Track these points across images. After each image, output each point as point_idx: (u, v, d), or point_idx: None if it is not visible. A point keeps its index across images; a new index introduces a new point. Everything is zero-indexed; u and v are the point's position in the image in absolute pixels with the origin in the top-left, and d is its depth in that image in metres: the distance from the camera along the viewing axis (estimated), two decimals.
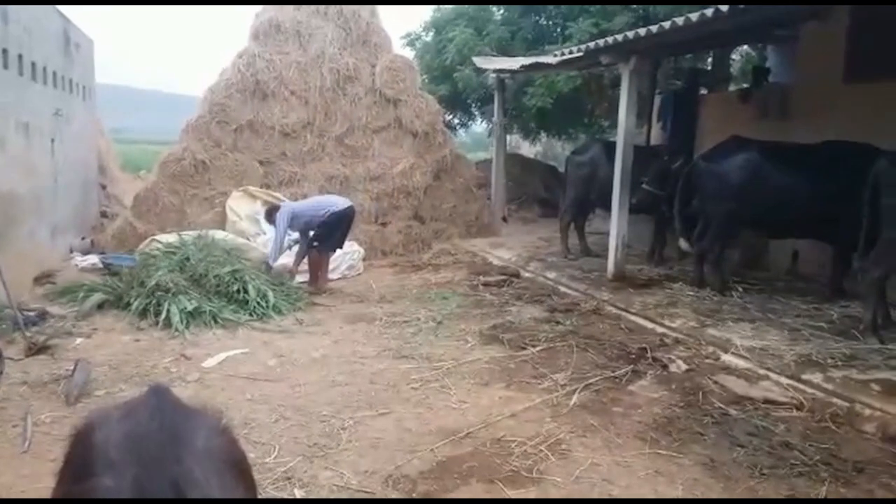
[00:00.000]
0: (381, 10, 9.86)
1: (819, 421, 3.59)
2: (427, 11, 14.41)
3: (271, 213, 6.88)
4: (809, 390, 3.93)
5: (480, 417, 3.77)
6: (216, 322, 5.47)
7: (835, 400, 3.77)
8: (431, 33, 13.75)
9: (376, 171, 9.23)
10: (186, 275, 5.91)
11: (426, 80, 12.93)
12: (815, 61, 7.22)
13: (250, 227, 7.87)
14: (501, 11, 12.96)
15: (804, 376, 4.08)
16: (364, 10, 9.65)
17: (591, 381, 4.30)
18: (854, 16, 6.51)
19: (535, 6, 12.22)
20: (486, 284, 6.94)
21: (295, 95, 9.05)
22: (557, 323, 5.62)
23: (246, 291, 5.90)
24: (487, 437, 3.53)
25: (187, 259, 6.08)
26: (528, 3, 12.07)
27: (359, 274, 7.75)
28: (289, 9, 9.49)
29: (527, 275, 7.49)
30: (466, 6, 13.00)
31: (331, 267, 7.43)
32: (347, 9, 9.51)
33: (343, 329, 5.53)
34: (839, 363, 4.24)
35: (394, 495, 2.99)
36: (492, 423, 3.70)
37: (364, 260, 8.07)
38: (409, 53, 13.98)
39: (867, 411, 3.58)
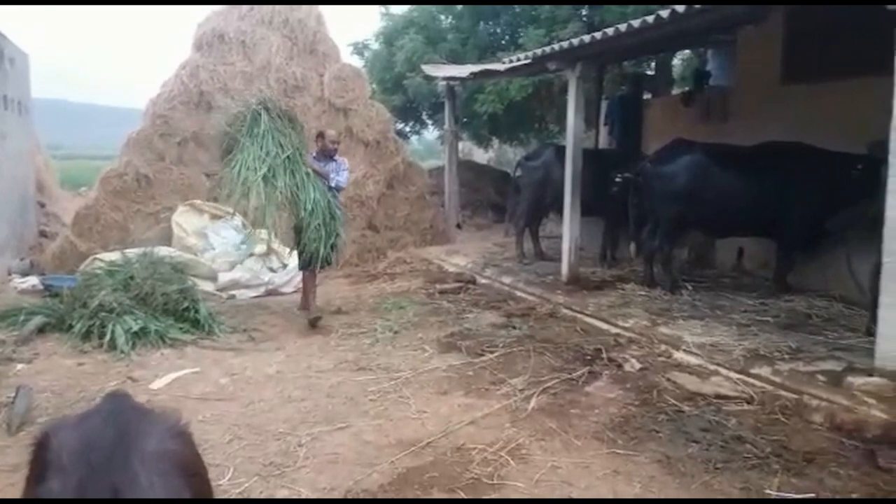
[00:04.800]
0: (329, 19, 9.79)
1: (769, 413, 3.69)
2: (376, 21, 14.40)
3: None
4: (759, 384, 4.04)
5: (440, 426, 3.74)
6: (164, 342, 5.30)
7: (783, 392, 3.88)
8: (381, 42, 13.73)
9: None
10: (131, 294, 5.70)
11: (377, 90, 12.91)
12: (753, 64, 7.48)
13: (198, 242, 7.66)
14: (451, 20, 13.05)
15: (753, 370, 4.19)
16: (311, 19, 9.56)
17: (548, 384, 4.32)
18: (789, 19, 6.77)
19: (485, 15, 12.33)
20: (442, 292, 6.93)
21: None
22: (514, 328, 5.65)
23: (196, 310, 5.74)
24: (448, 446, 3.51)
25: (132, 277, 5.87)
26: (490, 4, 12.09)
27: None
28: (233, 18, 9.34)
29: (483, 281, 7.51)
30: (416, 15, 13.05)
31: (285, 279, 7.31)
32: (294, 18, 9.41)
33: (298, 343, 5.43)
34: (786, 356, 4.37)
35: None
36: (452, 431, 3.68)
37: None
38: (357, 62, 13.93)
39: (814, 402, 3.69)
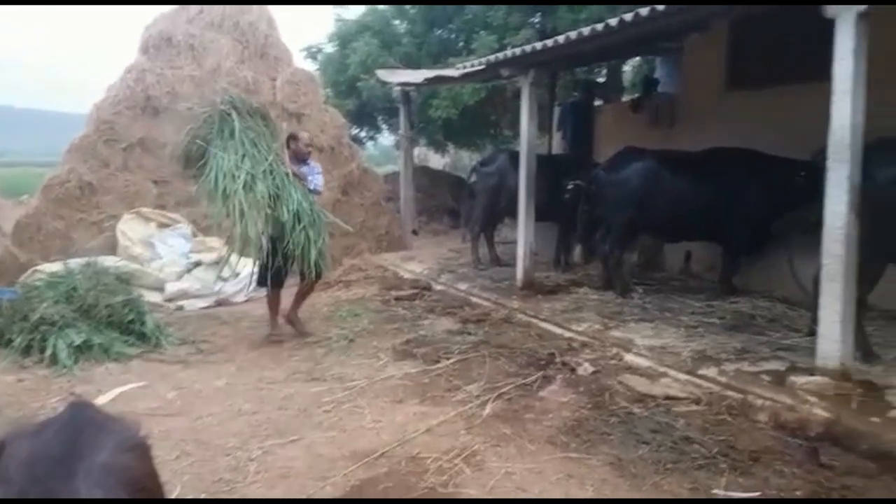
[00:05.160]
0: (282, 23, 9.68)
1: (716, 414, 3.77)
2: (329, 24, 14.30)
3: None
4: (706, 384, 4.12)
5: (395, 436, 3.71)
6: (108, 356, 5.12)
7: (729, 392, 3.98)
8: (335, 46, 13.63)
9: None
10: (74, 306, 5.49)
11: (331, 94, 12.80)
12: (699, 71, 7.70)
13: (144, 251, 7.44)
14: (405, 25, 13.06)
15: (700, 371, 4.28)
16: (262, 22, 9.43)
17: (503, 389, 4.34)
18: (733, 28, 6.98)
19: (439, 20, 12.37)
20: (398, 299, 6.89)
21: (190, 111, 8.67)
22: (470, 334, 5.66)
23: (142, 322, 5.57)
24: (403, 456, 3.48)
25: (75, 289, 5.66)
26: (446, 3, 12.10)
27: (266, 295, 7.48)
28: (181, 21, 9.15)
29: (439, 287, 7.50)
30: (370, 19, 13.01)
31: (236, 289, 7.14)
32: (244, 21, 9.27)
33: (249, 355, 5.32)
34: (732, 357, 4.49)
35: None
36: (407, 440, 3.65)
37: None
38: (310, 66, 13.80)
39: (759, 402, 3.79)
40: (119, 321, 5.51)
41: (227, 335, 5.90)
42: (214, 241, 7.70)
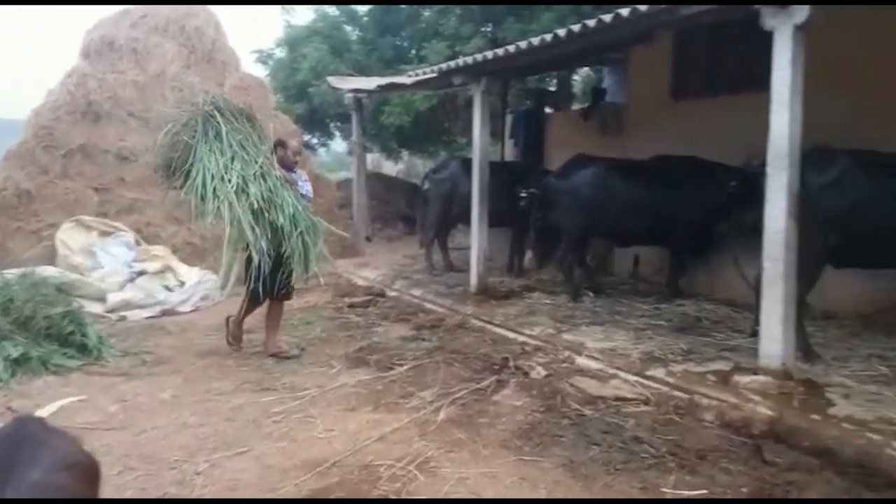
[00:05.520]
0: (231, 27, 9.52)
1: (664, 414, 3.85)
2: (279, 28, 14.15)
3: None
4: (654, 385, 4.21)
5: (348, 444, 3.65)
6: (47, 369, 4.89)
7: (677, 393, 4.07)
8: (285, 50, 13.48)
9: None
10: (11, 318, 5.22)
11: (281, 100, 12.64)
12: (645, 81, 7.90)
13: (85, 260, 7.15)
14: (356, 31, 13.02)
15: (649, 372, 4.37)
16: (209, 27, 9.26)
17: (457, 395, 4.33)
18: (677, 39, 7.19)
19: (390, 27, 12.36)
20: (351, 306, 6.83)
21: (133, 117, 8.43)
22: (424, 340, 5.65)
23: (83, 333, 5.35)
24: (355, 464, 3.43)
25: (11, 300, 5.38)
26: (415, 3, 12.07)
27: (215, 304, 7.31)
28: (124, 25, 8.90)
29: (393, 293, 7.47)
30: (321, 25, 12.92)
31: (182, 298, 6.95)
32: (190, 26, 9.08)
33: (196, 365, 5.16)
34: (679, 358, 4.61)
35: None
36: (359, 449, 3.60)
37: (223, 288, 7.62)
38: (261, 71, 13.62)
39: (705, 401, 3.89)
40: (58, 333, 5.27)
41: (173, 346, 5.72)
42: (158, 250, 7.49)
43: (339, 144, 16.46)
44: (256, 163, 4.98)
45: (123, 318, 6.56)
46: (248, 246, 4.92)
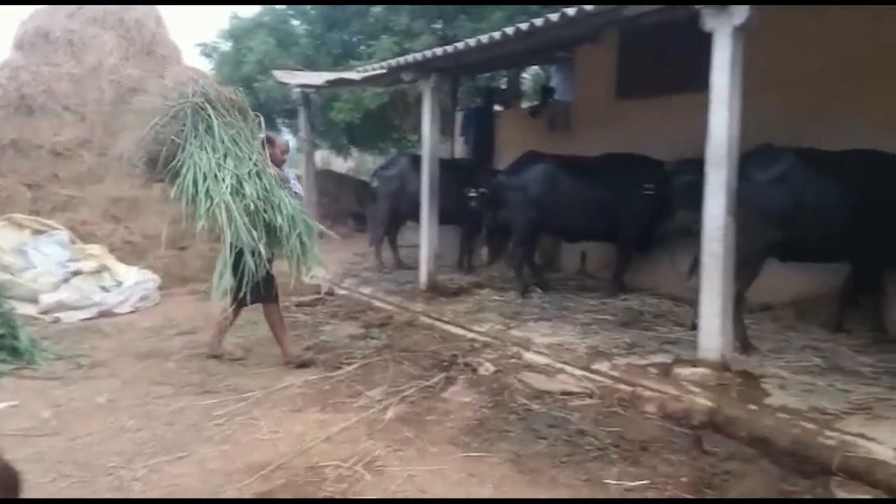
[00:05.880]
0: (174, 20, 9.23)
1: (608, 406, 3.93)
2: (224, 20, 13.82)
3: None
4: (599, 379, 4.28)
5: (293, 446, 3.59)
6: None
7: (621, 386, 4.15)
8: (229, 43, 13.16)
9: (170, 191, 8.51)
10: None
11: None
12: (591, 80, 8.03)
13: (16, 260, 6.80)
14: (304, 25, 12.81)
15: (594, 366, 4.44)
16: (149, 19, 8.96)
17: (406, 393, 4.31)
18: (622, 39, 7.32)
19: (338, 22, 12.21)
20: (299, 305, 6.71)
21: (69, 111, 8.10)
22: (373, 338, 5.61)
23: (14, 336, 5.10)
24: (301, 466, 3.37)
25: None
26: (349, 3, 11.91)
27: (155, 305, 7.09)
28: (60, 16, 8.53)
29: (342, 292, 7.38)
30: (267, 18, 12.65)
31: (119, 299, 6.71)
32: (129, 17, 8.77)
33: (135, 368, 4.97)
34: (623, 351, 4.70)
35: None
36: (305, 450, 3.54)
37: (160, 289, 7.40)
38: (206, 64, 13.27)
39: (647, 393, 3.97)
40: None
41: (110, 348, 5.50)
42: (95, 249, 7.20)
43: (289, 141, 16.17)
44: (251, 160, 4.62)
45: (58, 320, 6.28)
46: (234, 249, 4.54)
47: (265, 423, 3.89)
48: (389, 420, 3.91)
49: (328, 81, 8.64)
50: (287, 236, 4.61)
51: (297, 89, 9.48)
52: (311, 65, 11.02)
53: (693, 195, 4.37)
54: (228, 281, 4.57)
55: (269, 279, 4.84)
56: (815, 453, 3.18)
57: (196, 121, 4.58)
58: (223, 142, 4.57)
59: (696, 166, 4.38)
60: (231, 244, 4.51)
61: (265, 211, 4.51)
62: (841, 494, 2.87)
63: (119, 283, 6.92)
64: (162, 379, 4.71)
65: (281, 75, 9.72)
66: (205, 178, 4.43)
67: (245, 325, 6.03)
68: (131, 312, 6.70)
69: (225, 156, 4.53)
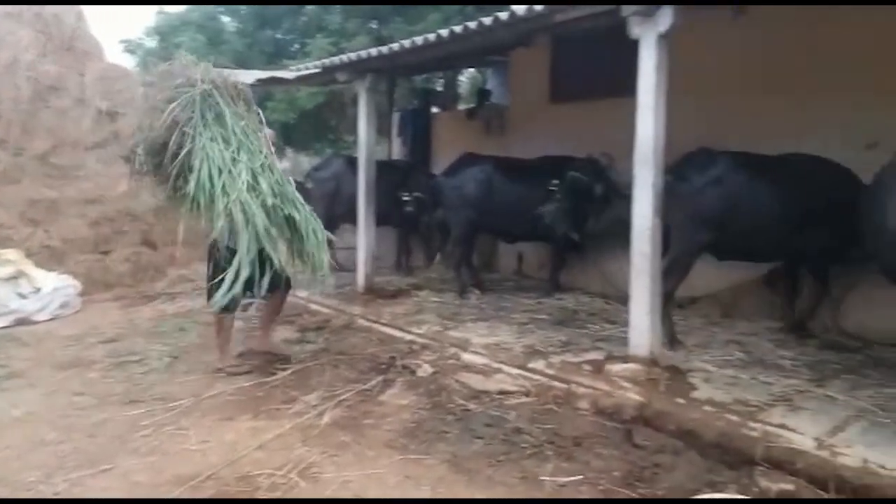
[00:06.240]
0: (95, 15, 8.81)
1: (544, 404, 3.98)
2: (150, 16, 13.30)
3: None
4: (535, 377, 4.33)
5: (224, 456, 3.47)
6: None
7: (556, 383, 4.21)
8: (156, 41, 12.69)
9: (93, 192, 8.14)
10: None
11: None
12: (526, 84, 8.14)
13: None
14: (235, 23, 12.49)
15: (530, 365, 4.50)
16: (69, 14, 8.53)
17: (343, 397, 4.25)
18: (555, 44, 7.46)
19: (269, 20, 11.96)
20: None
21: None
22: (309, 342, 5.53)
23: None
24: (232, 476, 3.27)
25: None
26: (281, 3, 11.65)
27: (76, 312, 6.74)
28: None
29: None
30: (196, 15, 12.27)
31: (39, 305, 6.36)
32: (48, 11, 8.33)
33: (55, 378, 4.71)
34: (558, 350, 4.78)
35: None
36: (237, 459, 3.43)
37: (82, 295, 7.04)
38: (130, 61, 12.76)
39: (581, 390, 4.05)
40: None
41: (29, 358, 5.20)
42: (11, 254, 6.79)
43: None
44: (261, 153, 4.34)
45: None
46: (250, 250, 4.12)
47: (194, 433, 3.76)
48: (325, 425, 3.84)
49: (259, 80, 8.41)
50: (306, 231, 4.34)
51: None
52: (242, 63, 10.73)
53: None
54: (238, 289, 4.16)
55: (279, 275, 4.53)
56: (739, 444, 3.30)
57: (204, 109, 4.21)
58: (235, 133, 4.25)
59: None
60: (246, 245, 4.08)
61: (282, 207, 4.24)
62: (764, 484, 2.99)
63: (37, 290, 6.54)
64: (84, 389, 4.49)
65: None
66: (220, 173, 4.09)
67: (172, 332, 5.84)
68: (51, 320, 6.36)
69: (238, 148, 4.22)
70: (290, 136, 12.61)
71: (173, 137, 4.13)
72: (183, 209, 4.29)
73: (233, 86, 4.46)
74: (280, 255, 4.17)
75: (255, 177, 4.19)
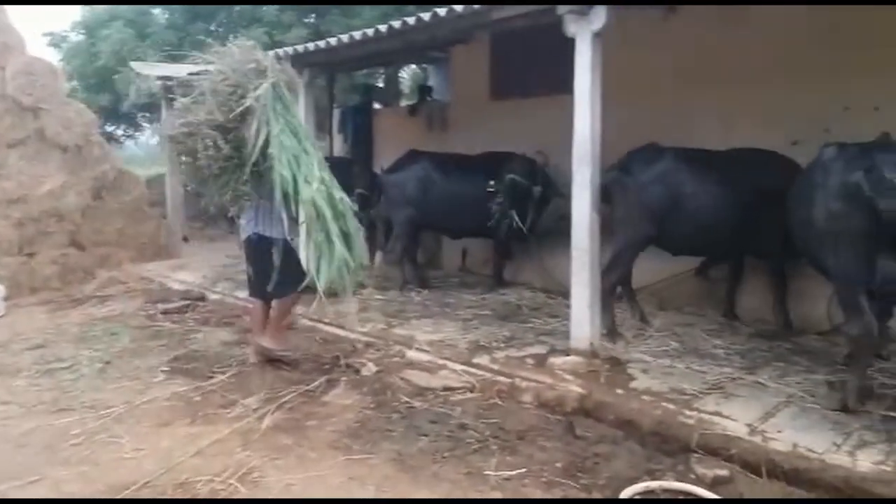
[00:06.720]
0: (14, 6, 8.33)
1: (488, 399, 4.01)
2: (77, 10, 12.69)
3: None
4: (479, 372, 4.35)
5: (160, 463, 3.35)
6: None
7: (500, 378, 4.24)
8: (81, 34, 12.12)
9: (15, 192, 7.71)
10: None
11: (80, 88, 11.37)
12: (466, 81, 8.18)
13: None
14: (166, 15, 12.05)
15: (475, 360, 4.51)
16: None
17: (285, 399, 4.16)
18: (494, 41, 7.51)
19: (201, 13, 11.58)
20: (165, 312, 6.29)
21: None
22: (249, 344, 5.36)
23: None
24: (169, 483, 3.15)
25: None
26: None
27: (0, 317, 6.39)
28: None
29: (214, 297, 7.01)
30: (124, 8, 11.78)
31: None
32: None
33: None
34: (502, 344, 4.82)
35: None
36: (174, 466, 3.31)
37: (6, 300, 6.67)
38: (54, 55, 12.16)
39: (524, 384, 4.09)
40: None
41: None
42: None
43: (151, 137, 15.18)
44: (313, 144, 4.30)
45: None
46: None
47: (128, 441, 3.61)
48: (266, 429, 3.75)
49: (191, 73, 8.17)
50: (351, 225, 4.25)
51: (158, 82, 8.90)
52: (173, 57, 10.37)
53: None
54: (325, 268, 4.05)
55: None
56: (676, 432, 3.40)
57: (275, 99, 4.12)
58: (301, 125, 4.22)
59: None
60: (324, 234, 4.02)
61: (341, 199, 4.17)
62: (700, 470, 3.09)
63: None
64: (10, 398, 4.25)
65: (140, 67, 9.09)
66: (298, 166, 4.04)
67: (103, 337, 5.60)
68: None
69: (300, 143, 4.14)
70: None
71: (255, 126, 4.03)
72: (241, 198, 4.32)
73: (286, 74, 4.37)
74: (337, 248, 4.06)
75: (319, 168, 4.16)
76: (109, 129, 12.44)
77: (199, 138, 4.08)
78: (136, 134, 14.19)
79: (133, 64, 9.27)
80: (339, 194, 4.18)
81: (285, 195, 4.04)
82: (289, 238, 4.51)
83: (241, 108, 4.04)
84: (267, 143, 4.05)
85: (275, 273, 4.52)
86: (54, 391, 4.38)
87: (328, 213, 4.01)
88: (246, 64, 4.18)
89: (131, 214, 8.74)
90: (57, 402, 4.17)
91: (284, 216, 4.36)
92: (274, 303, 4.75)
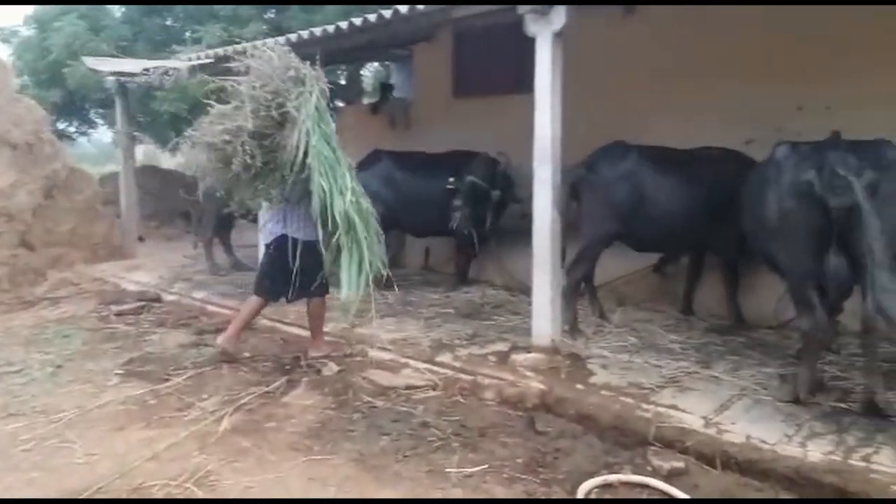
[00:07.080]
0: None
1: (450, 396, 4.01)
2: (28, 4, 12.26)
3: None
4: (442, 370, 4.36)
5: (114, 468, 3.26)
6: None
7: (462, 375, 4.25)
8: (33, 29, 11.72)
9: None
10: None
11: (31, 84, 11.00)
12: (428, 79, 8.18)
13: None
14: (122, 10, 11.74)
15: (437, 358, 4.52)
16: None
17: (243, 401, 4.09)
18: (456, 40, 7.52)
19: (156, 7, 11.32)
20: (119, 314, 6.12)
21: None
22: (206, 346, 5.25)
23: None
24: (123, 488, 3.07)
25: None
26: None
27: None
28: None
29: (170, 298, 6.86)
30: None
31: None
32: None
33: None
34: (464, 342, 4.84)
35: None
36: (128, 471, 3.22)
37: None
38: (4, 50, 11.76)
39: (486, 381, 4.11)
40: None
41: None
42: None
43: (104, 134, 14.76)
44: (345, 155, 4.27)
45: None
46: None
47: (81, 446, 3.50)
48: (224, 431, 3.68)
49: (147, 69, 7.98)
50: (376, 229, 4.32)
51: (112, 78, 8.66)
52: (128, 52, 10.12)
53: None
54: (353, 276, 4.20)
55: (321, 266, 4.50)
56: (633, 426, 3.46)
57: (317, 102, 4.10)
58: (333, 132, 4.20)
59: None
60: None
61: (367, 208, 4.23)
62: (657, 462, 3.14)
63: None
64: None
65: (92, 62, 8.84)
66: (336, 177, 4.06)
67: (54, 340, 5.43)
68: None
69: (334, 149, 4.13)
70: (181, 128, 12.01)
71: (296, 136, 3.99)
72: (269, 201, 4.45)
73: (318, 78, 4.28)
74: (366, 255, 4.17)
75: (353, 183, 4.18)
76: (61, 125, 12.04)
77: (238, 144, 4.03)
78: (90, 131, 13.78)
79: (85, 59, 9.01)
80: (365, 203, 4.24)
81: (321, 205, 4.07)
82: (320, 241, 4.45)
83: (280, 116, 4.03)
84: (306, 152, 4.03)
85: (318, 275, 4.55)
86: (4, 396, 4.22)
87: (359, 225, 4.08)
88: (286, 71, 4.14)
89: (84, 214, 8.49)
90: (6, 408, 4.02)
91: (318, 222, 4.30)
92: (309, 309, 4.82)
